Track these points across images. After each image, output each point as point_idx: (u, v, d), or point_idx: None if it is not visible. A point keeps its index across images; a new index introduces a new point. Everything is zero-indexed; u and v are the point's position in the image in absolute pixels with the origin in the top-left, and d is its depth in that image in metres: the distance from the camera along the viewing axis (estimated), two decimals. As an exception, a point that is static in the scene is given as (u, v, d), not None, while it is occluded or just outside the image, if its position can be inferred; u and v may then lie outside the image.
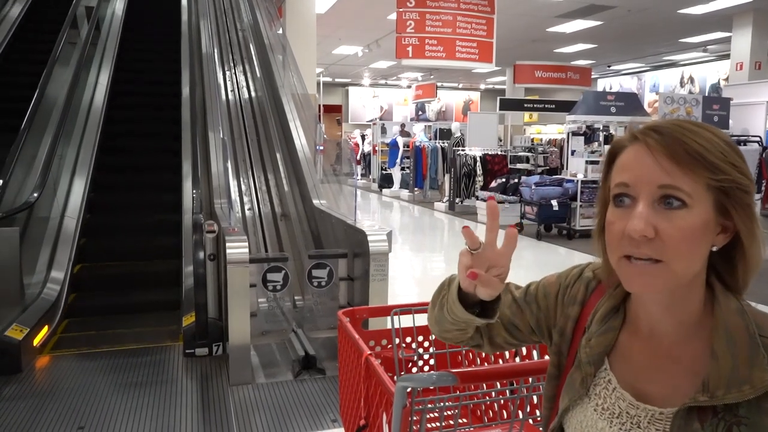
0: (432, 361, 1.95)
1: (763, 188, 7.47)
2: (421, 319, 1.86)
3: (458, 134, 12.22)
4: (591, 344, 0.87)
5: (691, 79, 18.04)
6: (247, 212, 5.63)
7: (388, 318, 1.77)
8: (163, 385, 3.38)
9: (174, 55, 7.51)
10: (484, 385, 1.65)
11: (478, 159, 11.18)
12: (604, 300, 0.89)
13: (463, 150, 11.44)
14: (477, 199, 10.74)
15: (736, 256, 0.77)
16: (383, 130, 16.36)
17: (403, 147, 14.60)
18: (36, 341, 3.75)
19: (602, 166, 0.84)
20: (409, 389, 1.19)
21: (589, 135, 9.27)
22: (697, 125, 0.76)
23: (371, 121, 21.06)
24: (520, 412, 1.41)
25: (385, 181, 15.53)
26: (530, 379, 1.30)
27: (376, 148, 16.14)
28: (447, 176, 12.01)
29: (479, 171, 11.11)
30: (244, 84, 7.51)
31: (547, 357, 1.00)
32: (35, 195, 4.39)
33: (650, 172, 0.73)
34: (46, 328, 3.93)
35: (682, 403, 0.74)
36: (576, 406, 0.87)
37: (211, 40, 7.12)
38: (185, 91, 6.70)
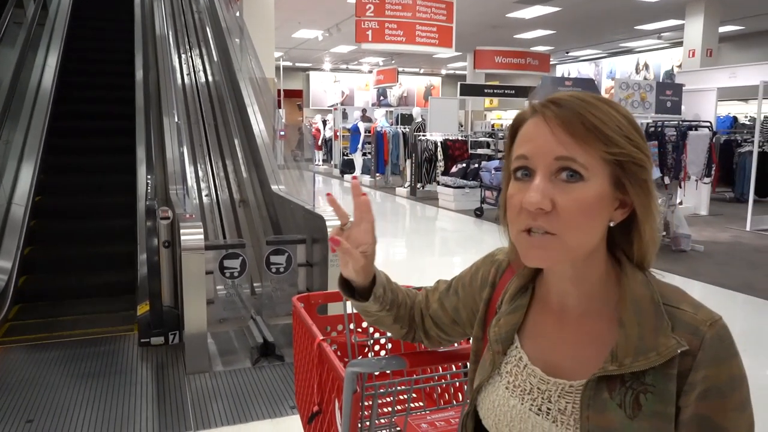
0: (389, 345, 1.95)
1: (712, 172, 7.71)
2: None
3: (419, 119, 12.23)
4: (500, 324, 0.88)
5: (646, 66, 18.45)
6: (204, 198, 5.52)
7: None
8: (117, 375, 3.31)
9: (127, 37, 7.27)
10: (440, 367, 1.66)
11: (439, 144, 11.21)
12: (513, 280, 0.90)
13: (424, 135, 11.46)
14: (438, 185, 10.79)
15: (632, 232, 0.78)
16: (345, 116, 16.25)
17: (365, 132, 14.54)
18: (-18, 333, 3.62)
19: (506, 140, 0.84)
20: (360, 374, 1.18)
21: (547, 120, 9.38)
22: (598, 99, 0.76)
23: (332, 106, 20.89)
24: (473, 394, 1.42)
25: (347, 167, 15.45)
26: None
27: (338, 134, 16.03)
28: (408, 162, 12.02)
29: (440, 156, 11.15)
30: (201, 68, 7.34)
31: None
32: (-22, 182, 4.21)
33: (547, 144, 0.73)
34: (-8, 319, 3.79)
35: (591, 374, 0.75)
36: (488, 386, 0.88)
37: (166, 22, 6.91)
38: (139, 74, 6.50)
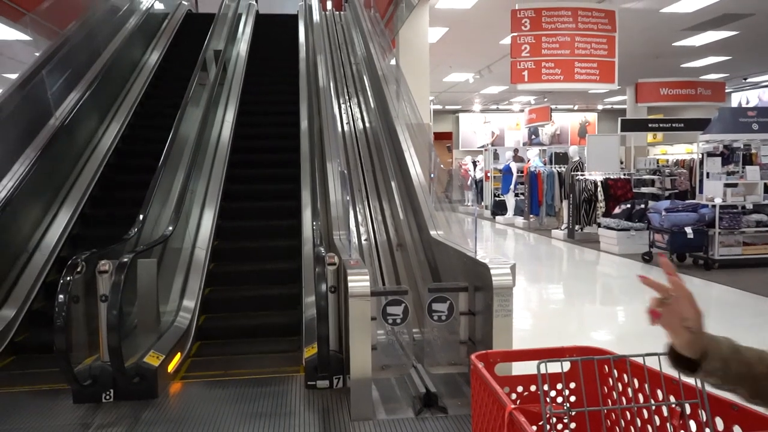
0: (573, 412, 1.75)
1: None
2: (566, 367, 1.69)
3: (576, 158, 11.69)
4: None
5: None
6: (363, 242, 5.65)
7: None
8: (286, 417, 3.39)
9: (292, 90, 7.83)
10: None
11: (599, 183, 10.61)
12: None
13: (582, 175, 10.92)
14: (599, 227, 10.15)
15: None
16: (496, 156, 16.08)
17: (517, 172, 14.25)
18: (170, 367, 3.93)
19: None
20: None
21: (727, 155, 8.48)
22: None
23: (482, 146, 20.81)
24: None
25: (498, 208, 15.18)
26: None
27: (488, 174, 15.88)
28: (565, 202, 11.50)
29: (600, 196, 10.53)
30: (359, 115, 7.66)
31: None
32: (170, 228, 4.66)
33: None
34: (179, 355, 4.11)
35: None
36: None
37: (327, 74, 7.33)
38: (303, 123, 6.93)
